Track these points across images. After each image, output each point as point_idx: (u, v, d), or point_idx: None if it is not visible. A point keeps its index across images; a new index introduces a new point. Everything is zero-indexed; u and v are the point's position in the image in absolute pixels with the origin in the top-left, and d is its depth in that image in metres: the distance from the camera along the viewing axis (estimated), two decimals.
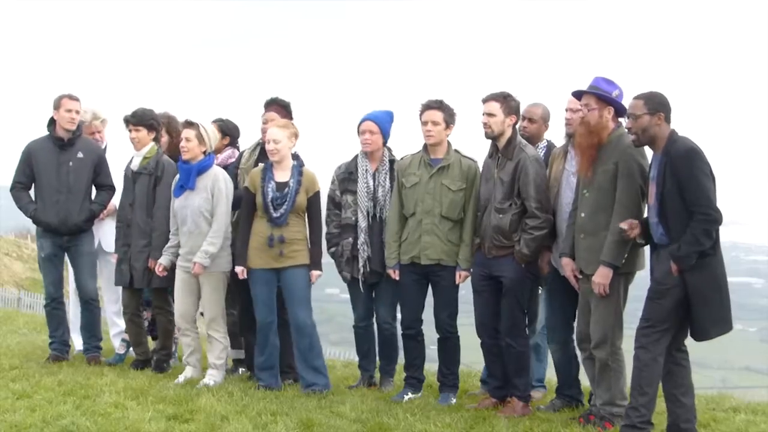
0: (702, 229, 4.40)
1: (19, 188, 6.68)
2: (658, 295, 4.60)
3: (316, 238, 5.88)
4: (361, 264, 5.92)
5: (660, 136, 4.61)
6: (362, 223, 5.94)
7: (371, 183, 5.94)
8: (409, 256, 5.67)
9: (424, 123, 5.62)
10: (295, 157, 5.98)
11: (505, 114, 5.35)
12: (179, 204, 6.01)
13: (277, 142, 5.76)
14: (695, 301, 4.47)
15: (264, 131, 6.13)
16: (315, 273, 5.83)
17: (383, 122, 5.96)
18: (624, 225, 4.70)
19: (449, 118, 5.64)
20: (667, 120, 4.62)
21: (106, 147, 7.03)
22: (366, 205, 5.94)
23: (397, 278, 5.74)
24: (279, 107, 6.28)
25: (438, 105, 5.64)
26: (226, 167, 6.45)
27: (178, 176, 6.08)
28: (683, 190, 4.45)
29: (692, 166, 4.44)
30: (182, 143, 5.98)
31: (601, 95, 4.95)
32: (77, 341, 7.14)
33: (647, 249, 5.03)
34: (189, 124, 6.05)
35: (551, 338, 5.60)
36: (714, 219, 4.42)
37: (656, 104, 4.61)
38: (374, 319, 6.15)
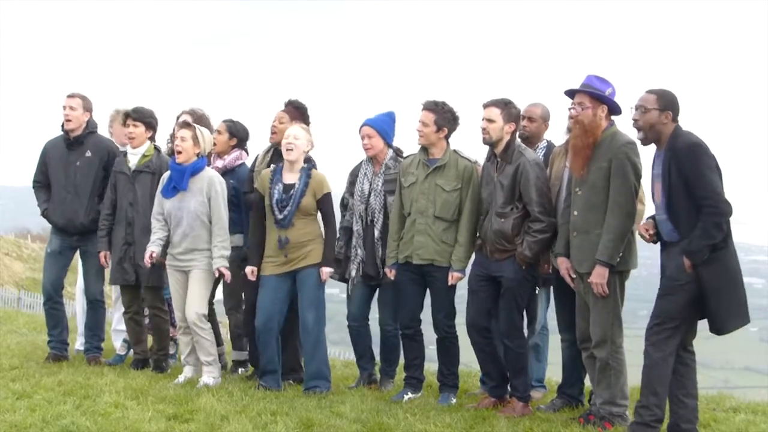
0: (712, 222, 4.40)
1: (37, 186, 6.78)
2: (671, 291, 4.58)
3: (329, 238, 5.87)
4: (353, 267, 5.95)
5: (665, 134, 4.62)
6: (355, 227, 5.98)
7: (366, 187, 5.96)
8: (404, 256, 5.68)
9: (418, 122, 5.65)
10: (307, 160, 5.98)
11: (504, 121, 5.33)
12: (173, 205, 5.99)
13: (297, 138, 5.79)
14: (711, 295, 4.45)
15: (273, 129, 6.19)
16: (325, 270, 5.82)
17: (381, 125, 5.97)
18: (643, 231, 4.71)
19: (443, 121, 5.61)
20: (674, 120, 4.64)
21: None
22: (359, 208, 5.97)
23: (393, 277, 5.74)
24: (293, 108, 6.31)
25: (432, 107, 5.64)
26: (233, 168, 6.46)
27: (167, 175, 6.07)
28: (690, 185, 4.45)
29: (697, 161, 4.45)
30: (177, 143, 5.98)
31: (595, 93, 4.95)
32: (79, 341, 7.14)
33: (641, 248, 5.04)
34: (185, 125, 6.05)
35: (562, 337, 5.59)
36: (723, 211, 4.42)
37: (667, 102, 4.62)
38: (368, 320, 6.16)
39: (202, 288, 6.00)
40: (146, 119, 6.45)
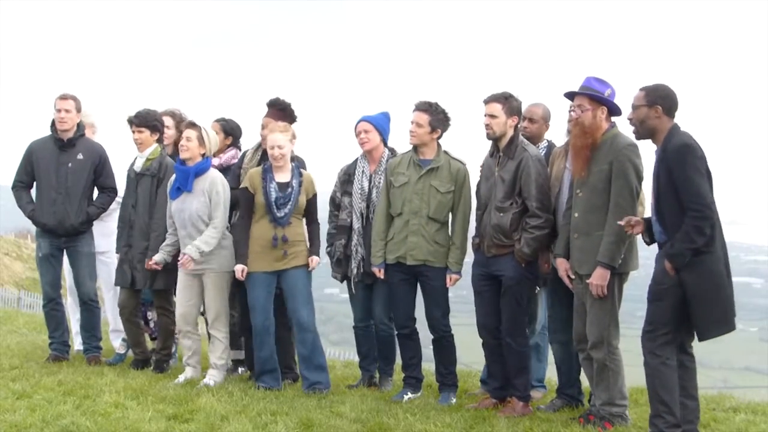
0: (694, 226, 4.33)
1: (19, 187, 6.69)
2: (657, 296, 4.55)
3: (314, 235, 5.96)
4: (354, 265, 5.95)
5: (659, 129, 4.57)
6: (356, 225, 5.97)
7: (366, 185, 5.95)
8: (395, 256, 5.67)
9: (411, 123, 5.65)
10: (293, 158, 5.99)
11: (507, 115, 5.34)
12: (177, 207, 6.00)
13: (281, 148, 5.79)
14: (692, 301, 4.40)
15: (263, 136, 6.13)
16: (314, 258, 5.88)
17: (378, 121, 5.97)
18: (622, 222, 4.68)
19: (437, 122, 5.62)
20: (668, 114, 4.57)
21: None
22: (359, 206, 5.95)
23: (382, 277, 5.74)
24: (276, 111, 6.25)
25: (425, 107, 5.64)
26: (229, 167, 6.45)
27: (174, 177, 6.07)
28: (677, 186, 4.40)
29: (684, 162, 4.38)
30: (182, 142, 5.98)
31: (594, 95, 4.95)
32: (76, 341, 7.14)
33: (640, 249, 5.02)
34: (192, 125, 6.06)
35: (553, 338, 5.60)
36: (705, 216, 4.34)
37: (656, 97, 4.58)
38: (372, 321, 6.16)
39: (218, 291, 6.01)
40: (150, 123, 6.43)
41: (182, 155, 5.96)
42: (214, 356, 6.04)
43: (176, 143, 6.56)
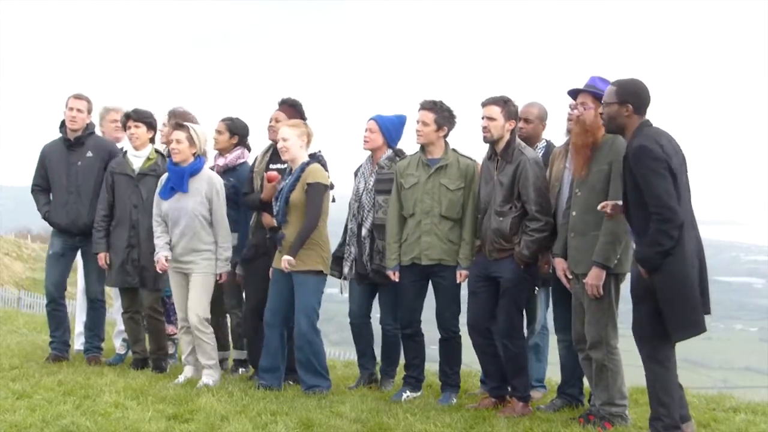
0: (657, 230, 4.24)
1: (36, 191, 6.78)
2: (635, 300, 4.53)
3: (301, 228, 5.67)
4: (347, 264, 5.96)
5: (629, 127, 4.50)
6: (350, 224, 6.00)
7: (361, 185, 5.98)
8: (410, 257, 5.66)
9: (417, 122, 5.65)
10: (312, 156, 5.93)
11: (505, 118, 5.33)
12: (171, 206, 5.98)
13: (285, 140, 5.76)
14: (660, 303, 4.32)
15: (270, 129, 6.19)
16: (285, 258, 5.66)
17: (386, 123, 5.98)
18: (606, 207, 4.64)
19: (442, 120, 5.62)
20: (638, 111, 4.49)
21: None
22: (353, 206, 5.99)
23: (397, 280, 5.72)
24: (287, 107, 6.30)
25: (430, 106, 5.64)
26: (234, 167, 6.46)
27: (165, 177, 6.06)
28: (640, 190, 4.34)
29: (641, 166, 4.30)
30: (172, 145, 5.97)
31: (598, 94, 4.94)
32: (77, 342, 7.14)
33: None
34: (179, 126, 6.05)
35: (559, 337, 5.59)
36: (667, 218, 4.23)
37: (625, 94, 4.50)
38: (370, 318, 6.19)
39: (202, 291, 5.99)
40: (147, 119, 6.45)
41: (175, 159, 5.95)
42: (204, 358, 6.01)
43: None
